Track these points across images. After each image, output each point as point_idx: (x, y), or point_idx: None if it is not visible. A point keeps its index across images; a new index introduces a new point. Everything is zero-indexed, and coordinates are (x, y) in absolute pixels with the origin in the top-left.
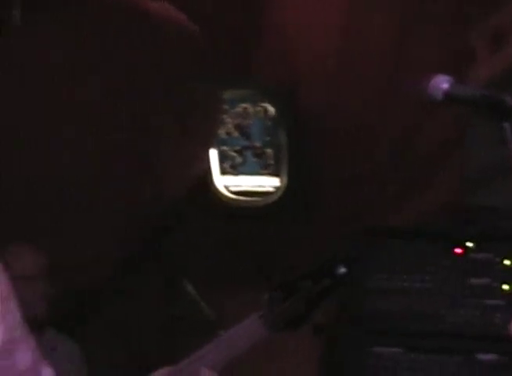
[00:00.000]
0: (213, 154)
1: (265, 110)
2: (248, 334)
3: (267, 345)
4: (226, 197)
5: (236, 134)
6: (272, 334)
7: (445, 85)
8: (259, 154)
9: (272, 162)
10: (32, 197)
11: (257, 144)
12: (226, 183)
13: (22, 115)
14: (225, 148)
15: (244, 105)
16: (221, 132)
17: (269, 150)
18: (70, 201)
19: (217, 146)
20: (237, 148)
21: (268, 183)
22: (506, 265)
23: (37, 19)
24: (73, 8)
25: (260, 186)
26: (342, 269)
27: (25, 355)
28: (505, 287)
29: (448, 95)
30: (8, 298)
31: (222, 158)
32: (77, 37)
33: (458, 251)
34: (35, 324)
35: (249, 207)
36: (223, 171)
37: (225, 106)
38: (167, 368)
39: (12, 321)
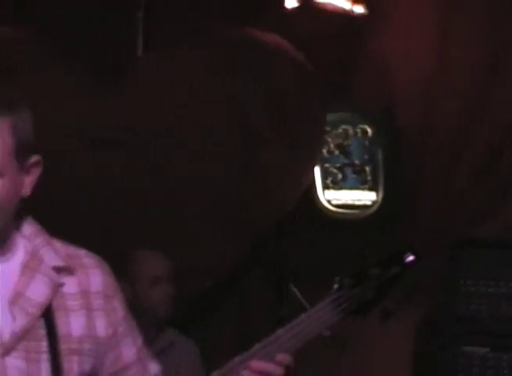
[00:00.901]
0: (317, 171)
1: (364, 131)
2: (319, 319)
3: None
4: (328, 209)
5: (337, 152)
6: (341, 319)
7: None
8: (358, 171)
9: (369, 178)
10: (161, 211)
11: (357, 162)
12: (328, 197)
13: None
14: (327, 165)
15: (345, 126)
16: (324, 151)
17: (367, 167)
18: (193, 213)
19: (320, 163)
20: (338, 165)
21: (366, 197)
22: None
23: (159, 49)
24: (193, 38)
25: (358, 200)
26: (410, 257)
27: (130, 349)
28: None
29: None
30: (112, 297)
31: (325, 174)
32: (197, 65)
33: None
34: (158, 323)
35: (348, 219)
36: (325, 186)
37: (328, 128)
38: (243, 353)
39: (116, 317)
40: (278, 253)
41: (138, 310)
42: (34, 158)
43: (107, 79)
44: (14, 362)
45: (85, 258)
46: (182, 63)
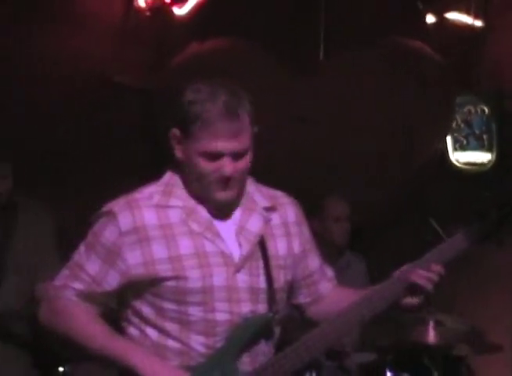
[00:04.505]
0: (448, 139)
1: (482, 110)
2: (455, 246)
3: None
4: (456, 166)
5: (463, 125)
6: (471, 246)
7: None
8: (478, 138)
9: (486, 143)
10: (343, 167)
11: (477, 132)
12: (456, 157)
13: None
14: (456, 134)
15: (468, 107)
16: (454, 124)
17: (484, 135)
18: (359, 167)
19: (451, 133)
20: (463, 134)
21: (483, 157)
22: None
23: (337, 54)
24: (362, 45)
25: (478, 159)
26: None
27: (314, 260)
28: None
29: None
30: (301, 224)
31: (454, 141)
32: (366, 64)
33: None
34: (339, 249)
35: (470, 172)
36: (454, 149)
37: (456, 108)
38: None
39: (304, 238)
40: (420, 196)
41: (325, 240)
42: (255, 129)
43: (298, 75)
44: (242, 277)
45: (281, 197)
46: (354, 63)
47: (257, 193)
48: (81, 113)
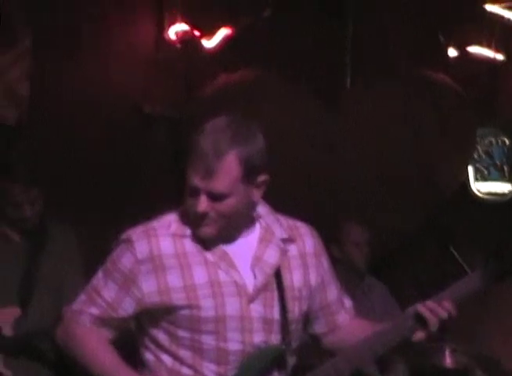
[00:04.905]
0: (470, 169)
1: (503, 141)
2: (471, 286)
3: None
4: (478, 196)
5: (484, 156)
6: (485, 287)
7: None
8: (499, 169)
9: (507, 174)
10: (358, 191)
11: (498, 162)
12: (478, 187)
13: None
14: (477, 165)
15: (490, 138)
16: (475, 155)
17: (505, 166)
18: (381, 194)
19: (472, 163)
20: (485, 165)
21: (504, 188)
22: None
23: (362, 83)
24: (386, 74)
25: (499, 189)
26: None
27: (332, 291)
28: None
29: None
30: (320, 255)
31: (475, 171)
32: (390, 93)
33: None
34: (359, 273)
35: (491, 202)
36: (476, 179)
37: (478, 139)
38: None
39: (323, 269)
40: (443, 225)
41: (345, 265)
42: (262, 177)
43: (325, 103)
44: (256, 307)
45: (301, 228)
46: (378, 92)
47: (275, 224)
48: (110, 142)
